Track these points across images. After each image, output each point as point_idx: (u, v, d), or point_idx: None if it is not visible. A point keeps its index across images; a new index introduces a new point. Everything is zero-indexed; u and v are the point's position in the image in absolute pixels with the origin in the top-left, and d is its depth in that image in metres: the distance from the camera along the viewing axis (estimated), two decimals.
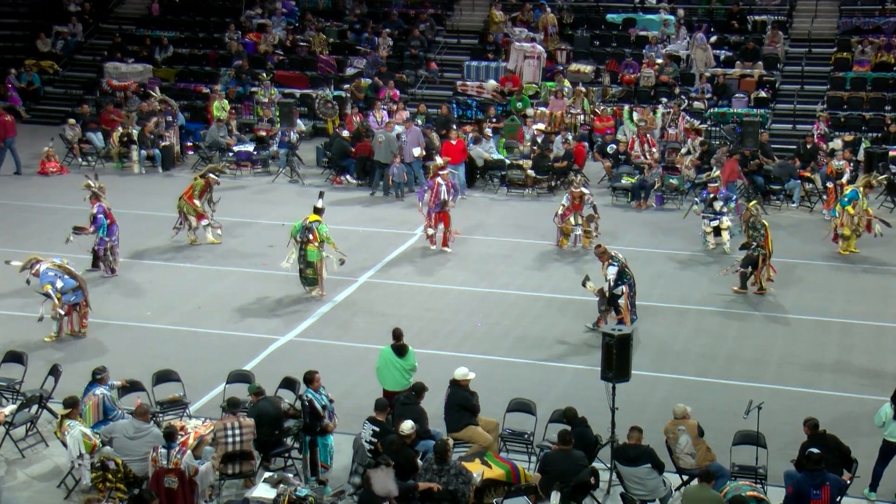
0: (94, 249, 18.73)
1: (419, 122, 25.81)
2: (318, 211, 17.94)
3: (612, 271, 16.03)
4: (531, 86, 28.85)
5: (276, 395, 13.15)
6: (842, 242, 19.71)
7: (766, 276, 17.82)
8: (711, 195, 19.91)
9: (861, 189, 19.67)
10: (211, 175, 20.61)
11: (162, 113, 26.66)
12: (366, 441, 11.92)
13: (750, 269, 17.84)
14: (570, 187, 20.52)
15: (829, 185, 22.08)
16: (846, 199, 19.64)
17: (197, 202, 20.27)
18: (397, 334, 13.46)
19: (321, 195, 18.80)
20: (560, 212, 20.12)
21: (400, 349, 13.33)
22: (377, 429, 11.89)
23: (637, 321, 16.20)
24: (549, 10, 30.95)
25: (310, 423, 12.22)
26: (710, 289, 18.24)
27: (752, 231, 17.85)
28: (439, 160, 21.11)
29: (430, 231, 20.07)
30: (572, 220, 20.05)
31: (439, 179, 19.86)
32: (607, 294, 16.08)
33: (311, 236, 17.57)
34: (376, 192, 24.07)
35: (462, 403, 12.53)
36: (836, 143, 23.27)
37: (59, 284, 15.80)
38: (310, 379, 12.41)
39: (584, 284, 16.40)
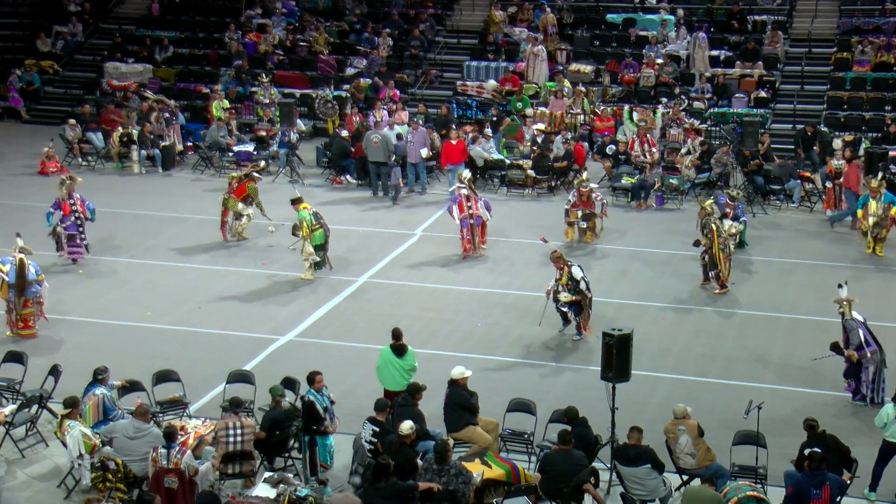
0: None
1: (419, 121, 25.78)
2: (298, 200, 18.90)
3: (577, 271, 15.94)
4: (531, 86, 28.86)
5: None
6: (862, 239, 19.74)
7: (723, 275, 17.85)
8: (727, 210, 19.59)
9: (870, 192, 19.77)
10: (255, 174, 20.98)
11: (160, 111, 26.67)
12: (366, 441, 11.93)
13: (708, 265, 18.03)
14: (577, 185, 20.51)
15: (828, 184, 22.10)
16: (859, 204, 19.84)
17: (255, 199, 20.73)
18: (396, 334, 13.46)
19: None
20: (566, 206, 20.27)
21: (399, 349, 13.33)
22: (377, 429, 11.89)
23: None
24: (548, 10, 30.96)
25: (308, 423, 12.22)
26: (710, 288, 18.23)
27: (704, 230, 17.85)
28: (467, 173, 20.92)
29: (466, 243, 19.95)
30: (579, 213, 20.13)
31: (464, 191, 19.75)
32: (587, 293, 15.97)
33: (322, 220, 18.63)
34: (378, 192, 24.06)
35: (461, 403, 12.53)
36: (836, 143, 23.27)
37: (6, 268, 16.04)
38: (311, 379, 12.42)
39: (556, 300, 16.22)
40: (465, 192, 19.70)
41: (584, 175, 21.31)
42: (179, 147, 26.76)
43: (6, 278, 16.04)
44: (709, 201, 18.73)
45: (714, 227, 17.82)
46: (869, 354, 14.04)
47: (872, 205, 19.49)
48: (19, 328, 16.30)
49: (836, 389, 14.62)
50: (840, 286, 14.80)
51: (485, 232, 20.02)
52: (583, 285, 15.97)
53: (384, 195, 23.84)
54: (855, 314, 14.31)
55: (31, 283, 16.20)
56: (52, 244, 19.03)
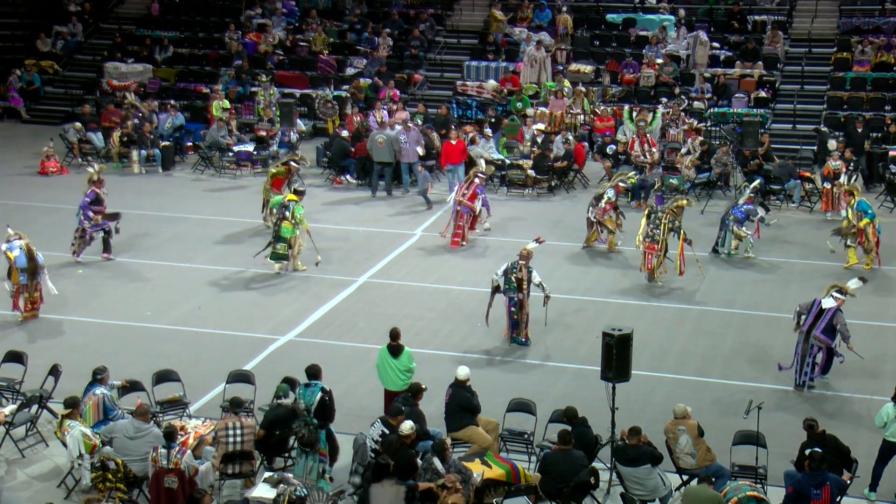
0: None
1: (418, 121, 25.80)
2: (297, 192, 19.06)
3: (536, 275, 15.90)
4: (531, 86, 28.87)
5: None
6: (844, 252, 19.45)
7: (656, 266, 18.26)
8: (746, 206, 19.69)
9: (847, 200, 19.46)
10: (292, 162, 21.12)
11: (132, 116, 26.64)
12: (371, 439, 11.92)
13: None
14: (617, 181, 20.44)
15: (826, 185, 22.09)
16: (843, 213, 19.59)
17: (285, 189, 20.63)
18: (394, 334, 13.43)
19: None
20: (604, 205, 19.91)
21: (395, 350, 13.30)
22: (387, 430, 11.85)
23: (527, 345, 15.99)
24: (564, 9, 31.02)
25: (327, 414, 12.31)
26: (710, 288, 18.25)
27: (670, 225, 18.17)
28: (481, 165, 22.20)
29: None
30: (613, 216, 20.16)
31: (478, 180, 20.64)
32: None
33: (287, 213, 18.51)
34: (378, 192, 24.06)
35: (464, 405, 12.53)
36: (831, 144, 23.26)
37: (15, 253, 16.47)
38: (316, 373, 12.56)
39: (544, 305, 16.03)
40: (477, 180, 20.48)
41: (631, 173, 21.66)
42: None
43: (15, 263, 16.40)
44: (685, 200, 18.95)
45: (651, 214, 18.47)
46: (795, 330, 14.54)
47: (849, 212, 19.01)
48: (27, 310, 16.71)
49: (835, 390, 14.64)
50: (861, 279, 15.22)
51: (474, 224, 20.59)
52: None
53: (387, 195, 23.85)
54: (827, 300, 14.35)
55: (42, 267, 16.62)
56: (47, 242, 19.20)
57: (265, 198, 20.76)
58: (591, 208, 20.06)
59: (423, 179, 23.27)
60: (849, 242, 19.12)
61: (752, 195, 19.84)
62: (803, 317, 14.48)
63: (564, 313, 17.22)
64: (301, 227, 18.64)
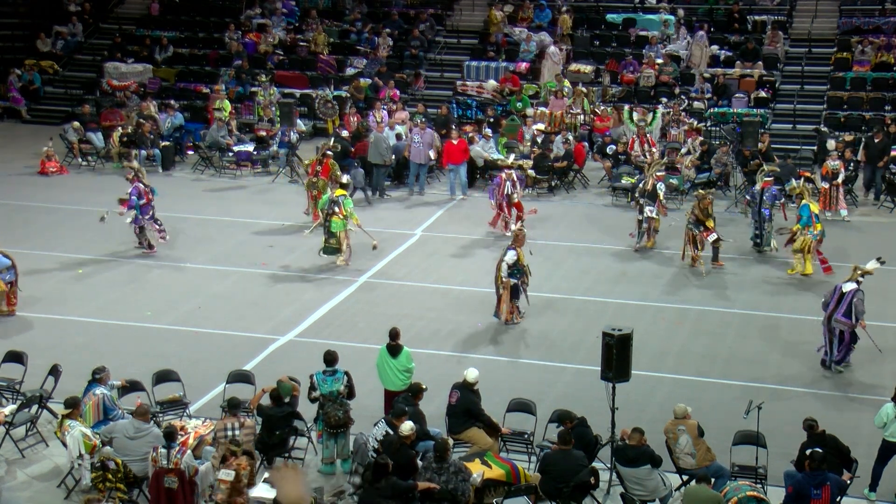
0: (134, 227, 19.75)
1: (418, 121, 25.76)
2: (343, 186, 19.46)
3: (511, 255, 16.33)
4: (531, 86, 28.87)
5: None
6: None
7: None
8: (771, 191, 19.89)
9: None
10: (328, 152, 21.43)
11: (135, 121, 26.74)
12: (374, 438, 11.94)
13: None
14: (654, 172, 20.37)
15: (825, 185, 22.09)
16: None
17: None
18: (393, 334, 13.42)
19: (345, 171, 21.59)
20: (663, 202, 20.26)
21: (394, 349, 13.29)
22: (391, 431, 11.86)
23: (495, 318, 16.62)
24: (564, 10, 31.03)
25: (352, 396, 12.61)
26: (710, 288, 18.25)
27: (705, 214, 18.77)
28: (511, 158, 22.61)
29: (501, 221, 20.92)
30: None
31: (504, 175, 20.77)
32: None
33: (336, 209, 18.76)
34: (375, 192, 24.02)
35: (470, 409, 12.51)
36: (830, 144, 23.23)
37: None
38: (335, 359, 12.71)
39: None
40: (503, 175, 20.83)
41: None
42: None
43: None
44: (706, 193, 19.41)
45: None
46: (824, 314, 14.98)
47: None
48: (9, 304, 16.93)
49: (835, 389, 14.64)
50: (879, 259, 15.58)
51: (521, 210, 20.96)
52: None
53: (377, 196, 23.77)
54: (848, 284, 14.81)
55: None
56: (47, 242, 19.12)
57: (324, 191, 20.16)
58: (647, 209, 19.88)
59: (354, 177, 23.15)
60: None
61: (768, 179, 19.91)
62: (829, 305, 14.85)
63: (564, 313, 17.23)
64: (351, 219, 18.90)
